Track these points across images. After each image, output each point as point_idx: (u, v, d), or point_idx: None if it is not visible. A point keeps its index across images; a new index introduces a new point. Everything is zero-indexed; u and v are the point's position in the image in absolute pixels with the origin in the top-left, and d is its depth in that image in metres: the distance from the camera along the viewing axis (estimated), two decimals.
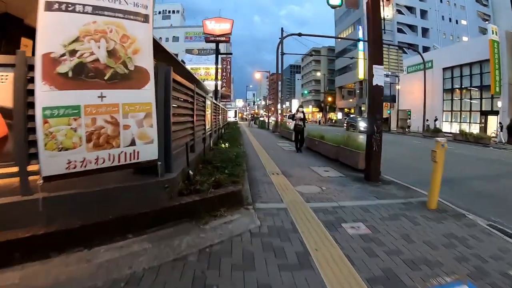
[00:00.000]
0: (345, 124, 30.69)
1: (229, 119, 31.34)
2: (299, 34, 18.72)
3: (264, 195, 4.51)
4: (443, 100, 30.89)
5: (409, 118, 33.76)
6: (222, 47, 35.63)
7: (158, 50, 3.82)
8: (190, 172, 4.05)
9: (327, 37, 23.79)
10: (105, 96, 2.86)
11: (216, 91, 22.09)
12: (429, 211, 4.25)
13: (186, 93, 4.67)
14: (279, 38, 17.86)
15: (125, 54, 2.98)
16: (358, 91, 47.87)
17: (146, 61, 3.08)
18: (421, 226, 3.64)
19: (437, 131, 24.34)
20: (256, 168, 6.77)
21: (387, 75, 32.39)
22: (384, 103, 39.09)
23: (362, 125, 23.72)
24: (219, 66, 28.72)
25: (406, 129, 30.62)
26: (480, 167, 9.13)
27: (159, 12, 56.25)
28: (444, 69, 30.62)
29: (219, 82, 28.65)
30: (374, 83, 5.61)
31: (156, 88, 3.28)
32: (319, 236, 3.14)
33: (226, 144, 7.97)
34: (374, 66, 5.64)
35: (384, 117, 34.76)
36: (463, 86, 28.74)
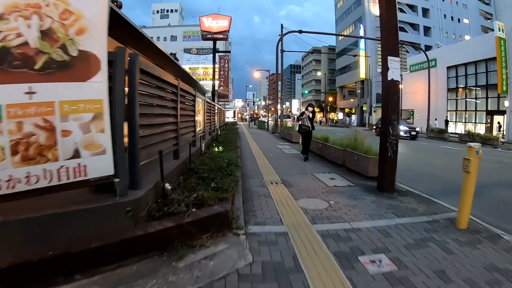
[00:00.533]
0: (374, 128, 24.44)
1: (227, 120, 30.51)
2: (300, 31, 17.92)
3: (259, 214, 3.70)
4: (447, 99, 30.06)
5: (410, 118, 32.89)
6: (221, 45, 34.74)
7: (122, 29, 2.99)
8: (167, 186, 3.24)
9: (328, 34, 23.20)
10: (35, 92, 2.06)
11: (213, 91, 21.30)
12: (459, 231, 3.46)
13: (165, 89, 3.86)
14: (279, 35, 17.02)
15: (66, 34, 2.17)
16: (359, 91, 47.03)
17: (96, 44, 2.27)
18: (455, 255, 2.84)
19: (442, 132, 23.51)
20: (252, 176, 5.97)
21: None
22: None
23: (402, 129, 19.95)
24: (217, 65, 27.94)
25: None
26: (499, 172, 8.31)
27: (157, 11, 55.35)
28: (449, 68, 29.79)
29: (217, 82, 27.85)
30: (389, 78, 4.81)
31: (115, 80, 2.47)
32: (330, 278, 2.33)
33: (220, 148, 7.17)
34: (389, 57, 4.84)
35: None
36: (468, 85, 27.91)
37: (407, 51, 38.18)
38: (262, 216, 3.60)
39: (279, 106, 21.10)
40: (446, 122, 26.15)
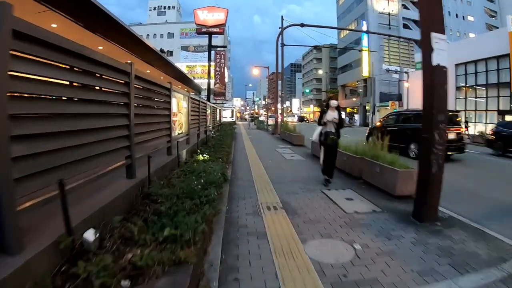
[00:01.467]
0: (491, 135, 12.70)
1: (224, 120, 28.98)
2: (302, 25, 16.44)
3: (245, 276, 2.26)
4: (456, 98, 28.57)
5: None
6: (220, 42, 33.08)
7: None
8: (88, 237, 1.82)
9: (331, 28, 21.98)
10: None
11: (208, 89, 19.88)
12: None
13: (97, 76, 2.43)
14: (279, 28, 15.48)
15: None
16: (361, 90, 45.55)
17: None
18: None
19: None
20: (243, 195, 4.54)
21: (396, 71, 30.13)
22: (390, 102, 36.83)
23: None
24: (212, 62, 26.38)
25: None
26: None
27: (154, 8, 53.52)
28: (457, 65, 28.26)
29: (212, 81, 26.23)
30: (434, 62, 3.38)
31: None
32: None
33: (206, 155, 5.74)
34: (432, 34, 3.40)
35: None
36: (478, 84, 26.45)
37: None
38: (250, 283, 2.17)
39: (279, 105, 19.60)
40: (466, 123, 24.49)
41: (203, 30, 20.94)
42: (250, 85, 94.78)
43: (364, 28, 39.55)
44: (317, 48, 70.67)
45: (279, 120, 18.77)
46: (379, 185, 4.96)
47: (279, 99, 19.34)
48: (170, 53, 43.34)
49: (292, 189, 4.92)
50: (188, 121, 6.33)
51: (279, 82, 19.70)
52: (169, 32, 46.32)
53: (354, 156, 5.94)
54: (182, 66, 39.40)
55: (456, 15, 49.72)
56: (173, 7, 53.30)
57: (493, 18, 53.33)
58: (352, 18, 48.34)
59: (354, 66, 47.28)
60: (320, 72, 58.35)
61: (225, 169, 5.16)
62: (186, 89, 22.51)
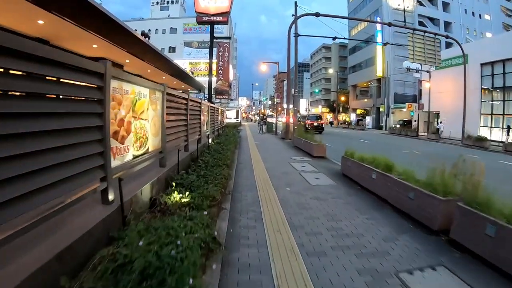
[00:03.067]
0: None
1: (228, 121, 26.49)
2: (317, 14, 14.02)
3: None
4: (481, 101, 25.90)
5: (435, 121, 28.77)
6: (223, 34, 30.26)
7: None
8: None
9: (348, 18, 19.61)
10: None
11: (210, 87, 17.48)
12: None
13: None
14: (292, 15, 12.94)
15: None
16: (374, 90, 42.87)
17: None
18: None
19: (481, 140, 19.54)
20: (248, 268, 2.21)
21: (417, 70, 27.51)
22: (407, 104, 34.02)
23: None
24: (215, 60, 23.82)
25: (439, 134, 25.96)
26: None
27: (157, 3, 50.56)
28: (483, 65, 25.57)
29: (214, 78, 23.39)
30: None
31: None
32: None
33: (185, 194, 3.42)
34: None
35: (406, 119, 29.71)
36: (506, 85, 23.77)
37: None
38: None
39: (290, 106, 17.03)
40: (509, 129, 21.78)
41: (204, 19, 18.29)
42: (257, 84, 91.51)
43: (378, 25, 36.92)
44: (326, 47, 67.93)
45: (291, 122, 16.21)
46: (494, 260, 2.58)
47: (291, 97, 16.64)
48: (173, 49, 41.12)
49: (334, 260, 2.55)
50: (162, 130, 3.99)
51: (291, 78, 17.29)
52: (171, 27, 43.73)
53: (429, 194, 3.52)
54: (184, 63, 37.05)
55: (473, 13, 47.20)
56: (176, 1, 50.60)
57: (510, 18, 50.73)
58: (364, 15, 45.66)
59: (366, 65, 44.69)
60: (331, 71, 55.57)
61: (212, 241, 2.72)
62: (183, 88, 20.08)
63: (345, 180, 6.09)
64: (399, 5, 40.68)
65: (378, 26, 37.35)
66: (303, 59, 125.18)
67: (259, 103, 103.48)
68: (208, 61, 20.80)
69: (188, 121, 5.64)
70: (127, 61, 11.26)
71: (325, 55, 66.65)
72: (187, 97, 5.58)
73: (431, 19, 43.52)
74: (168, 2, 50.72)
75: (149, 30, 43.36)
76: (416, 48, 18.38)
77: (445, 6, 44.74)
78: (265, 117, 24.53)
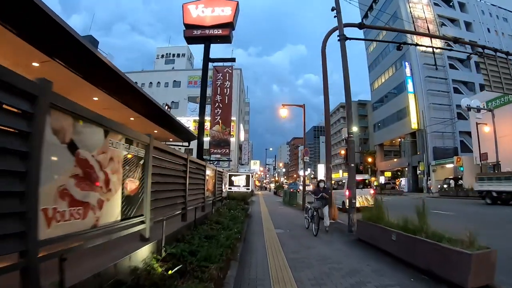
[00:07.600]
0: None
1: (236, 190, 21.88)
2: (361, 25, 11.88)
3: None
4: None
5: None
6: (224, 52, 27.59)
7: None
8: None
9: (395, 31, 18.86)
10: None
11: (199, 135, 14.10)
12: None
13: None
14: (334, 17, 10.24)
15: None
16: (408, 146, 41.71)
17: None
18: None
19: None
20: None
21: (478, 109, 25.81)
22: (456, 157, 31.60)
23: None
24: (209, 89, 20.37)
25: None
26: None
27: (162, 56, 53.56)
28: None
29: (208, 119, 19.98)
30: None
31: None
32: None
33: None
34: None
35: (451, 177, 27.10)
36: None
37: (460, 92, 33.65)
38: None
39: (319, 167, 14.03)
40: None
41: (195, 33, 14.63)
42: (271, 149, 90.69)
43: (408, 70, 37.55)
44: (344, 106, 69.18)
45: (347, 195, 10.35)
46: None
47: (326, 154, 11.82)
48: (176, 104, 42.02)
49: None
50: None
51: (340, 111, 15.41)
52: (175, 81, 45.26)
53: None
54: (189, 120, 37.60)
55: (496, 31, 48.70)
56: (183, 55, 53.33)
57: None
58: (389, 62, 47.10)
59: (397, 118, 44.44)
60: (355, 129, 55.69)
61: None
62: (167, 138, 15.93)
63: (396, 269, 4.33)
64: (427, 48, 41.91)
65: (408, 71, 37.81)
66: (318, 122, 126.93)
67: (273, 170, 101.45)
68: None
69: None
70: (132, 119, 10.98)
71: (343, 115, 67.65)
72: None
73: (461, 61, 44.12)
74: (174, 55, 53.52)
75: (150, 82, 45.14)
76: (490, 73, 13.70)
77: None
78: (323, 187, 9.75)
